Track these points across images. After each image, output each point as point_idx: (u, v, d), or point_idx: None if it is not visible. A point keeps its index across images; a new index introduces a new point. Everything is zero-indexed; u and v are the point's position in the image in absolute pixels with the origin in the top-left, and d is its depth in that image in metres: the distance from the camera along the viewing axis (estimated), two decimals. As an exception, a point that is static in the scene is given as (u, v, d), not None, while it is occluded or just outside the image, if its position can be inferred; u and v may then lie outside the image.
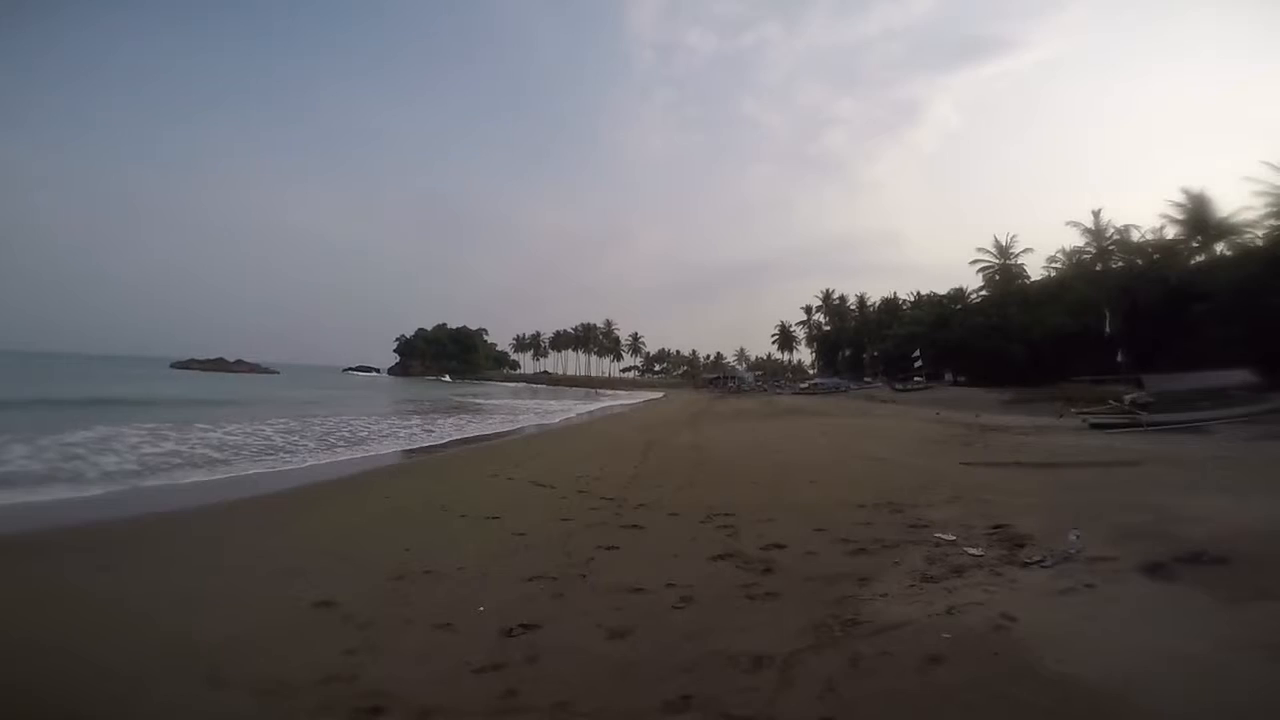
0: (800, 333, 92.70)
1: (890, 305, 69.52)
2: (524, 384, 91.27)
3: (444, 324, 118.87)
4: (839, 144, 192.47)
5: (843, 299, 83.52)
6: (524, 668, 2.75)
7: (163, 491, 7.44)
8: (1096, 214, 38.37)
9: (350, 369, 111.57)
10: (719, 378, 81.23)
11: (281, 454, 10.84)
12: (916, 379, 51.91)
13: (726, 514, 5.83)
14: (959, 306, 51.08)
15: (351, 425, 16.16)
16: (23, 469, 7.96)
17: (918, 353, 55.79)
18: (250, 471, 8.98)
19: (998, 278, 48.91)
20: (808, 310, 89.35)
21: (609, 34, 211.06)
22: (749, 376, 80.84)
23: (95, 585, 3.84)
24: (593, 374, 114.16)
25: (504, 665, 2.77)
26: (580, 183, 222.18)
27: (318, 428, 14.93)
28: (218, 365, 77.77)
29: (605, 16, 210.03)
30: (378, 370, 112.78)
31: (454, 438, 15.45)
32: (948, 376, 50.08)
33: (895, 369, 58.91)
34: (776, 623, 3.21)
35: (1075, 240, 39.46)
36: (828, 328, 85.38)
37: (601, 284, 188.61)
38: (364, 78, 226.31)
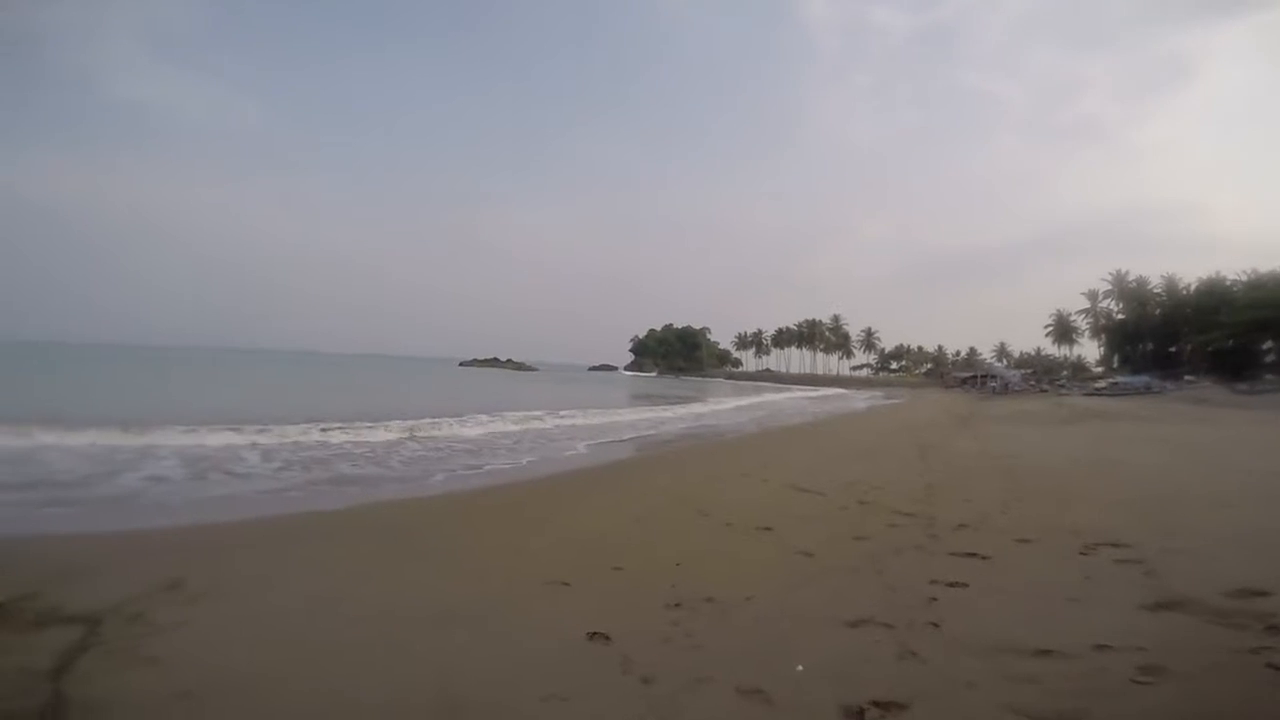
0: (1082, 323, 75.11)
1: (1214, 287, 52.52)
2: (749, 381, 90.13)
3: (671, 324, 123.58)
4: (1096, 107, 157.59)
5: (1140, 281, 65.21)
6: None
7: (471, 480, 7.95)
8: None
9: (594, 367, 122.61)
10: (974, 376, 69.82)
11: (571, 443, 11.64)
12: (1268, 377, 38.71)
13: (1114, 544, 4.06)
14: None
15: (620, 416, 18.33)
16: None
17: (1270, 344, 41.27)
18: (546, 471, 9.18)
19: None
20: (1092, 296, 71.34)
21: (787, 27, 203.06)
22: (1014, 375, 68.27)
23: (364, 591, 3.51)
24: (818, 372, 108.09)
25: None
26: (788, 177, 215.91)
27: (602, 420, 16.90)
28: (491, 363, 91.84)
29: (778, 12, 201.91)
30: (616, 368, 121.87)
31: (690, 430, 15.50)
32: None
33: (1228, 365, 44.69)
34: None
35: None
36: (1121, 316, 67.67)
37: (822, 278, 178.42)
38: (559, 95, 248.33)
